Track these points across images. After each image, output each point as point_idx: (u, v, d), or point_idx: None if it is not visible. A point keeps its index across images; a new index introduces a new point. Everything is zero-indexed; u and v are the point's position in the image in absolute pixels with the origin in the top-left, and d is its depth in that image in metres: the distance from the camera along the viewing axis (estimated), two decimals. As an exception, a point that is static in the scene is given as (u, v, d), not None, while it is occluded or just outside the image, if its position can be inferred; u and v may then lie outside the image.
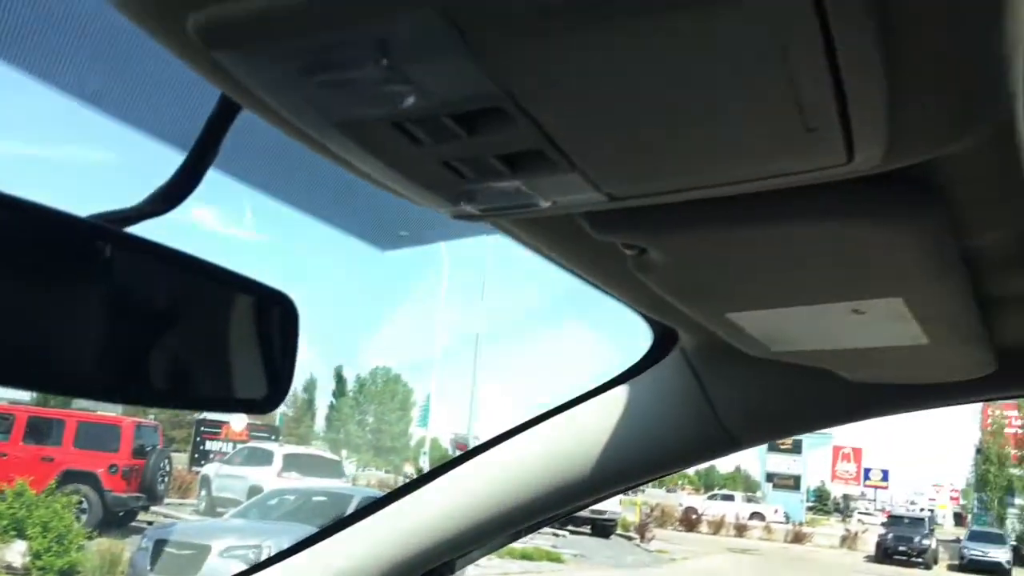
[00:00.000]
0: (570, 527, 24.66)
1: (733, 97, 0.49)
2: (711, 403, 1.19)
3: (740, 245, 0.72)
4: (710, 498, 39.51)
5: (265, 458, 19.61)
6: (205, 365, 0.74)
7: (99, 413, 17.31)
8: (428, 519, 1.35)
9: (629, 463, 1.25)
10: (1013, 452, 38.10)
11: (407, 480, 1.45)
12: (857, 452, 49.18)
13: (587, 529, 25.17)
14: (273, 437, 28.81)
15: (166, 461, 16.61)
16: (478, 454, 1.35)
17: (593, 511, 25.22)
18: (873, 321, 0.85)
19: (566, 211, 0.65)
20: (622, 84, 0.48)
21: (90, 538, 11.51)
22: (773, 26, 0.42)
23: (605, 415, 1.25)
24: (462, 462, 1.36)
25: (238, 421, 28.12)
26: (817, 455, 46.02)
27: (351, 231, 1.55)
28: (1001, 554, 29.65)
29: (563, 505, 1.31)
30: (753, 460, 51.97)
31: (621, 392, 1.25)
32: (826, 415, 1.19)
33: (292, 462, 18.87)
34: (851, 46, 0.43)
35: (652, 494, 37.05)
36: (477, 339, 27.96)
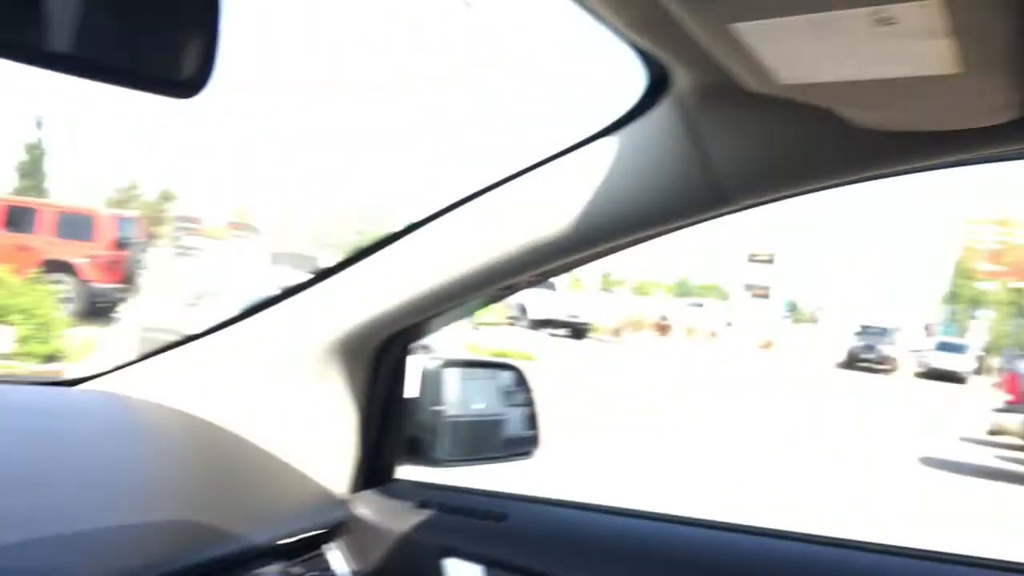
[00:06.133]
0: (548, 330, 25.37)
1: None
2: (704, 155, 1.09)
3: None
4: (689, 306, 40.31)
5: (244, 254, 19.80)
6: (117, 33, 0.63)
7: (78, 205, 17.17)
8: (392, 279, 1.29)
9: (610, 222, 1.17)
10: (985, 267, 39.19)
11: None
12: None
13: (563, 332, 25.86)
14: (253, 235, 28.93)
15: (146, 254, 16.64)
16: (448, 211, 1.27)
17: (570, 315, 25.93)
18: (899, 38, 0.74)
19: None
20: None
21: (72, 325, 11.66)
22: None
23: (586, 169, 1.16)
24: (427, 223, 1.28)
25: (217, 219, 28.12)
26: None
27: None
28: (962, 363, 30.96)
29: (536, 267, 1.24)
30: (729, 270, 52.95)
31: (604, 145, 1.15)
32: (830, 169, 1.09)
33: (278, 260, 19.04)
34: None
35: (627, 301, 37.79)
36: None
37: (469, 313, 1.48)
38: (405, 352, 1.44)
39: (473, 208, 1.25)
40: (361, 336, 1.34)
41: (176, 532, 1.06)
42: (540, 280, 1.37)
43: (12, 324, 10.53)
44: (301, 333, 1.35)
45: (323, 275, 1.36)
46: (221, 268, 19.22)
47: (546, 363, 15.25)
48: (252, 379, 1.39)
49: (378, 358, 1.39)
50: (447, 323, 1.47)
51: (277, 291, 1.43)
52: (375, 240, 1.34)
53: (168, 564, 0.99)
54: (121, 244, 15.33)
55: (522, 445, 1.64)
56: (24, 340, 10.27)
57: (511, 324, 25.78)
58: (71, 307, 13.66)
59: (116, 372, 1.48)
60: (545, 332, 25.01)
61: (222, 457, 1.35)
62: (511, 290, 1.40)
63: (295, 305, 1.37)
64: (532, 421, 1.66)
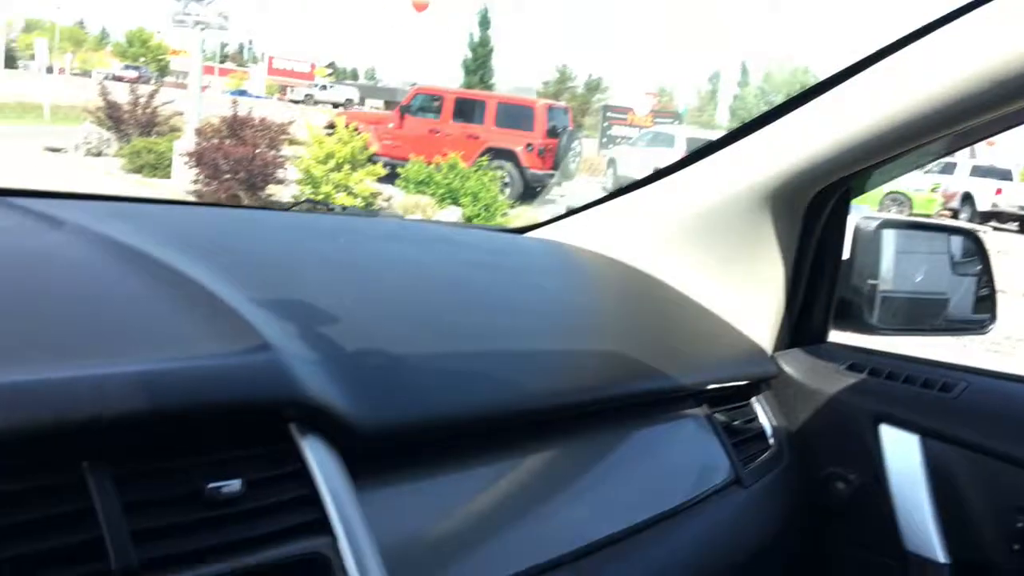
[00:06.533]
0: (993, 223, 22.70)
1: None
2: None
3: None
4: None
5: (667, 141, 19.98)
6: None
7: (517, 96, 18.51)
8: (830, 124, 1.18)
9: None
10: None
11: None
12: None
13: (1015, 227, 22.97)
14: (676, 123, 29.13)
15: (576, 142, 17.49)
16: (897, 48, 1.13)
17: (1022, 207, 22.87)
18: None
19: None
20: None
21: (511, 207, 12.72)
22: None
23: None
24: (872, 62, 1.15)
25: (642, 107, 28.67)
26: None
27: None
28: None
29: (993, 109, 1.06)
30: None
31: None
32: None
33: (693, 145, 18.97)
34: None
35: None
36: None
37: (911, 167, 1.33)
38: (842, 207, 1.34)
39: (926, 43, 1.10)
40: (794, 187, 1.26)
41: (610, 363, 1.10)
42: (995, 130, 1.19)
43: (462, 206, 11.77)
44: (731, 184, 1.31)
45: (757, 124, 1.29)
46: (639, 156, 19.68)
47: (1000, 255, 13.61)
48: (682, 229, 1.38)
49: (812, 212, 1.31)
50: (888, 176, 1.33)
51: (707, 143, 1.39)
52: (814, 84, 1.24)
53: (602, 390, 1.03)
54: (553, 133, 16.24)
55: (973, 320, 1.47)
56: (469, 220, 11.42)
57: (952, 216, 23.46)
58: (509, 191, 14.89)
59: (558, 222, 1.57)
60: (990, 226, 22.39)
61: (652, 302, 1.37)
62: (963, 140, 1.23)
63: (726, 156, 1.33)
64: (987, 295, 1.47)
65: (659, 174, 1.44)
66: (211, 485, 0.63)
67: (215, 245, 1.00)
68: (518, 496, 0.89)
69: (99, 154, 14.06)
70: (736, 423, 1.24)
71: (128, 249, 0.87)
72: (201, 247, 0.95)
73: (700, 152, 1.38)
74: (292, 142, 12.48)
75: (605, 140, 27.50)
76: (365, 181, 12.11)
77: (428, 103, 16.92)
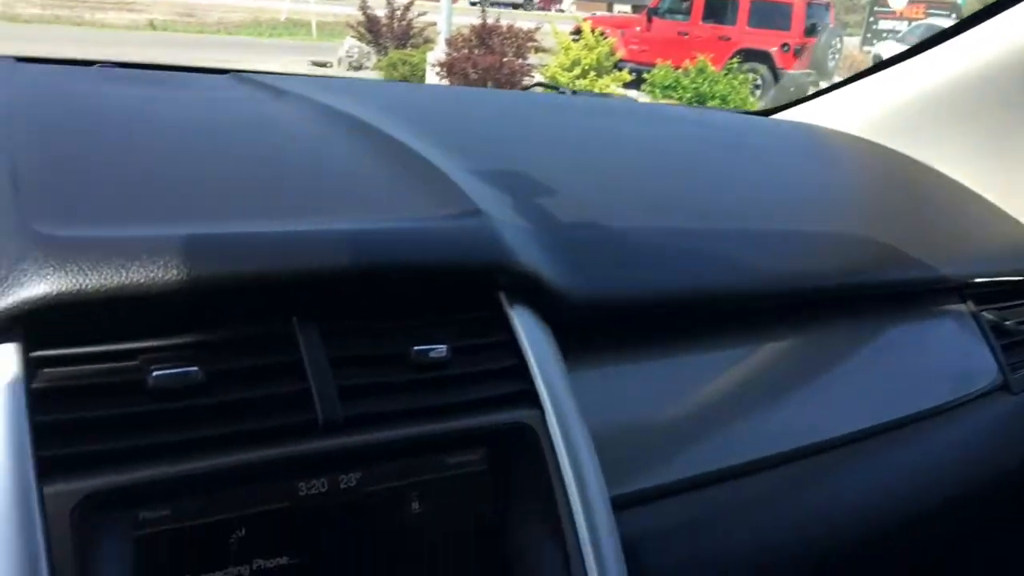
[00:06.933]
0: None
1: None
2: None
3: None
4: None
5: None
6: None
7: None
8: None
9: None
10: None
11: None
12: None
13: None
14: (954, 15, 26.43)
15: (837, 40, 16.33)
16: None
17: None
18: None
19: None
20: None
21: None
22: None
23: None
24: None
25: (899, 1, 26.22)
26: None
27: None
28: None
29: None
30: None
31: None
32: None
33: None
34: None
35: None
36: None
37: None
38: None
39: None
40: None
41: (859, 249, 1.00)
42: None
43: (710, 110, 11.38)
44: (1015, 50, 1.13)
45: None
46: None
47: None
48: (950, 106, 1.22)
49: None
50: None
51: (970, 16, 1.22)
52: None
53: (849, 276, 0.94)
54: (811, 31, 15.24)
55: None
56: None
57: None
58: (760, 93, 14.21)
59: (807, 103, 1.46)
60: None
61: (911, 185, 1.23)
62: None
63: (1006, 20, 1.14)
64: None
65: (921, 47, 1.28)
66: (417, 348, 0.62)
67: (433, 117, 0.99)
68: (747, 385, 0.83)
69: (360, 67, 14.80)
70: (1008, 323, 1.09)
71: (346, 116, 0.88)
72: (418, 118, 0.94)
73: (969, 20, 1.20)
74: (538, 50, 12.51)
75: (869, 36, 25.48)
76: (611, 87, 11.97)
77: (677, 4, 16.33)
